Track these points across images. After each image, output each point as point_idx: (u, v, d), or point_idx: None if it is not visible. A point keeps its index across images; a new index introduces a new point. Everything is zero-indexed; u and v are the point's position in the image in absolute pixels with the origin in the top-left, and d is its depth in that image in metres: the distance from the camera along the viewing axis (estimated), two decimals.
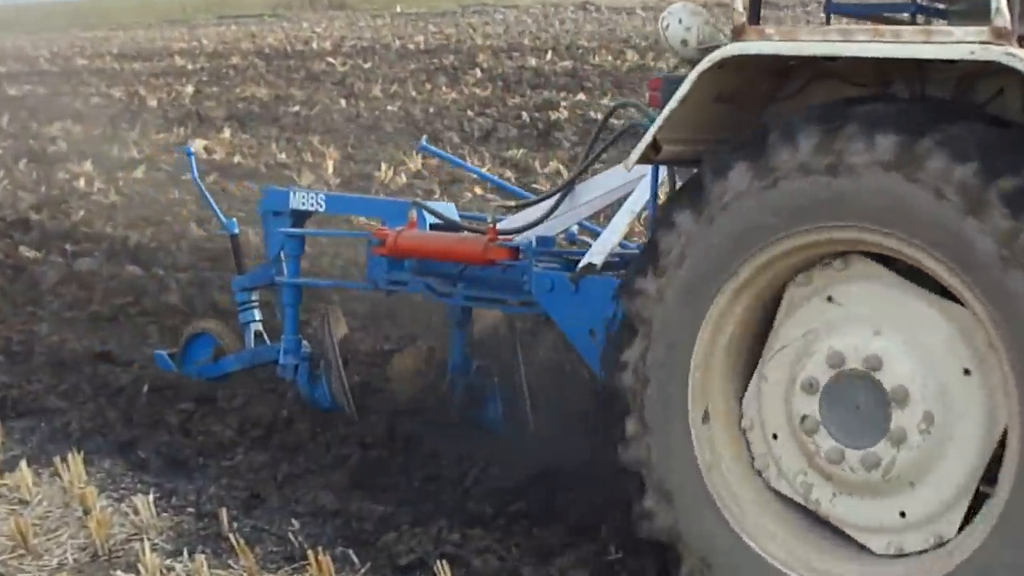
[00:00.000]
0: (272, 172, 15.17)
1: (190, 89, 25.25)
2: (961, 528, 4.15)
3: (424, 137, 7.51)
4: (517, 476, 5.89)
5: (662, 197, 5.41)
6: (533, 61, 25.06)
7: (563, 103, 19.04)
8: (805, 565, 4.37)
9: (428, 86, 22.62)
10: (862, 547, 4.34)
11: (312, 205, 7.01)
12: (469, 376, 6.70)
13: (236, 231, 7.73)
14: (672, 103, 4.51)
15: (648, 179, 5.51)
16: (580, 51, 26.09)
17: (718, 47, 4.45)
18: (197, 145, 15.94)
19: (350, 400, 6.69)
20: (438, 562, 4.97)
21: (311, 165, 15.24)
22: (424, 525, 5.53)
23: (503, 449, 6.18)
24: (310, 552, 5.10)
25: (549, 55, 25.74)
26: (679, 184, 5.05)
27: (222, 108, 21.88)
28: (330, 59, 29.03)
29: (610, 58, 24.35)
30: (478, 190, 12.81)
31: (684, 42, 4.84)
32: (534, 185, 12.44)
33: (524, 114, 18.13)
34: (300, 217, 7.10)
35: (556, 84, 21.55)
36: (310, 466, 6.34)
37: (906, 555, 4.25)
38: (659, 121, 4.56)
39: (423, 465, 6.20)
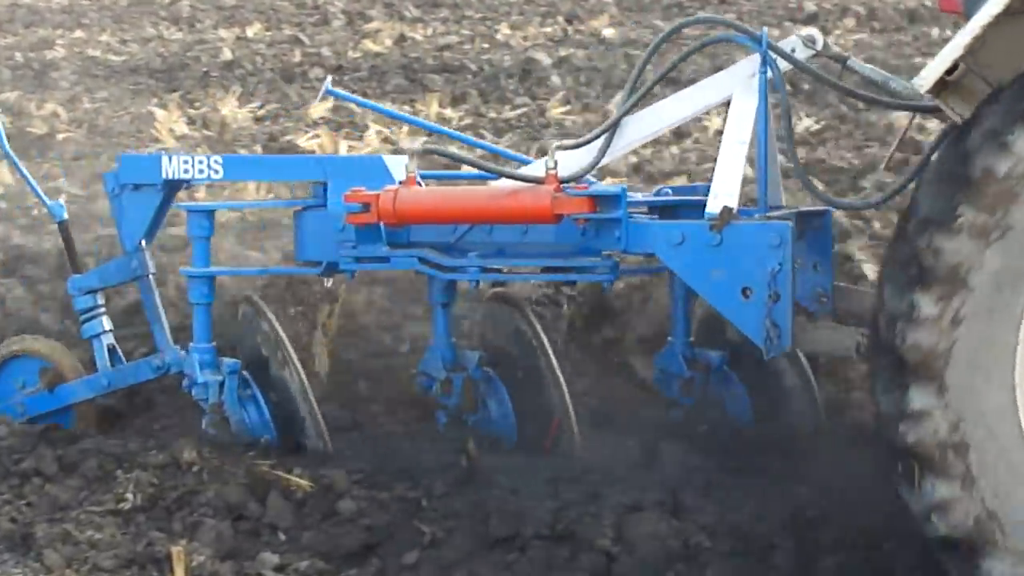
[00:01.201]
0: None
1: None
2: None
3: (329, 78, 6.33)
4: (25, 434, 5.69)
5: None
6: None
7: (59, 41, 18.26)
8: None
9: None
10: None
11: (200, 172, 5.59)
12: (470, 371, 5.59)
13: (64, 216, 5.99)
14: (994, 5, 3.82)
15: (744, 104, 5.01)
16: None
17: None
18: None
19: (322, 426, 5.43)
20: None
21: None
22: None
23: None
24: None
25: None
26: None
27: None
28: None
29: None
30: None
31: None
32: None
33: (18, 54, 17.26)
34: (172, 190, 5.74)
35: (52, 21, 20.62)
36: None
37: None
38: (975, 27, 3.83)
39: None
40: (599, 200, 4.99)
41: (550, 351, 5.52)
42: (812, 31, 5.18)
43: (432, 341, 5.69)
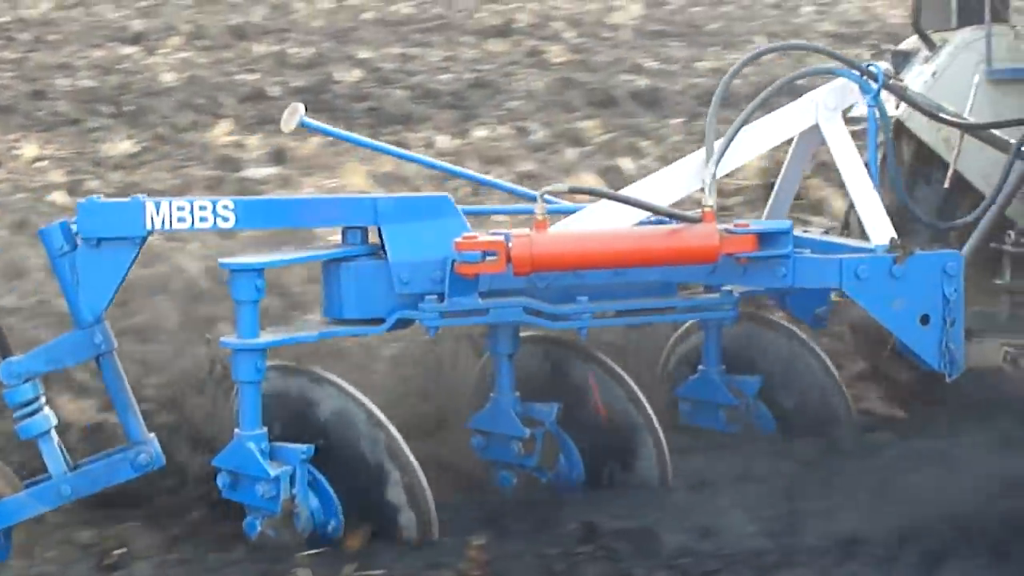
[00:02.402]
0: None
1: None
2: None
3: (301, 107, 5.41)
4: None
5: None
6: None
7: None
8: None
9: None
10: None
11: (202, 220, 4.70)
12: (547, 425, 5.19)
13: None
14: None
15: (839, 136, 5.28)
16: None
17: None
18: None
19: (431, 518, 4.70)
20: None
21: None
22: None
23: None
24: None
25: None
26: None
27: None
28: None
29: None
30: None
31: None
32: None
33: None
34: (143, 243, 4.75)
35: None
36: None
37: None
38: None
39: None
40: (765, 237, 4.93)
41: (643, 400, 5.24)
42: (887, 65, 5.43)
43: (494, 395, 5.25)
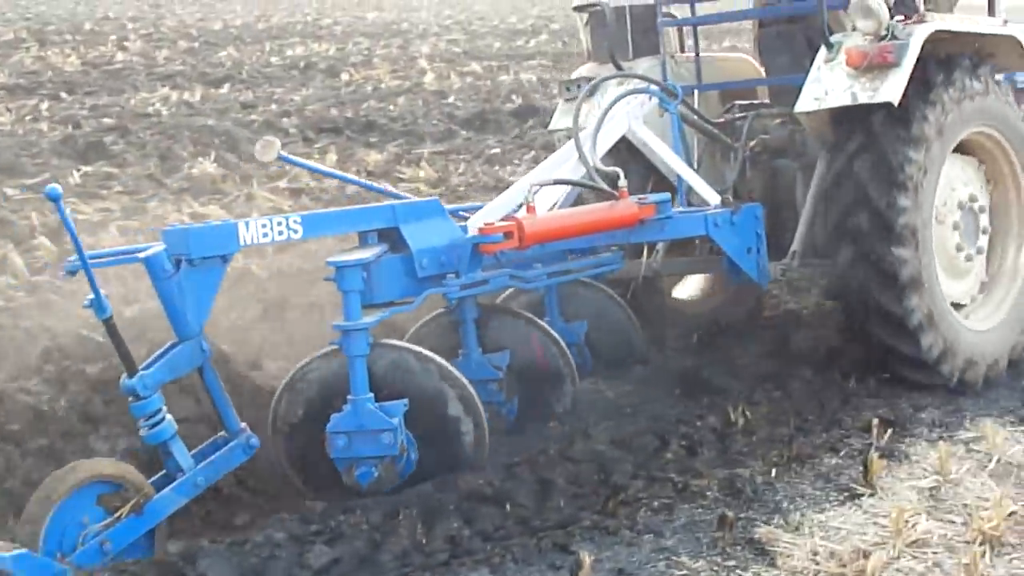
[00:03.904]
0: None
1: None
2: None
3: (277, 142, 6.74)
4: None
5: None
6: None
7: None
8: None
9: None
10: None
11: (280, 234, 5.58)
12: (504, 369, 6.60)
13: (110, 312, 5.20)
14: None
15: (650, 135, 7.57)
16: None
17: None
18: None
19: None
20: None
21: None
22: None
23: None
24: None
25: None
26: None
27: None
28: None
29: None
30: None
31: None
32: None
33: None
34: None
35: None
36: None
37: None
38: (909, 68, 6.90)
39: None
40: (658, 205, 6.88)
41: (567, 351, 6.77)
42: (676, 86, 7.74)
43: (464, 351, 6.50)
